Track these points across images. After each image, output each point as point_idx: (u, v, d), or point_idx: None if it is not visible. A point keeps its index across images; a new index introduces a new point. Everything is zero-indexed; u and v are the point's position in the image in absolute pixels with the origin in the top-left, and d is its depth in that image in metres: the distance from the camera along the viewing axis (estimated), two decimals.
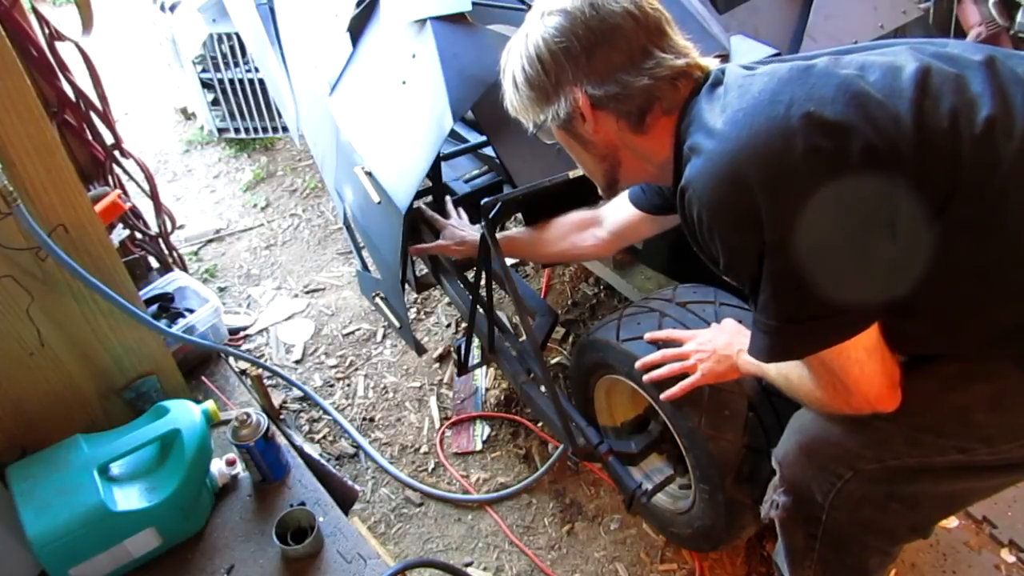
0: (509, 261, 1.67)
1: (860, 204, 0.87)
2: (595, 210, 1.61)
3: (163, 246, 2.32)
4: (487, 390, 2.26)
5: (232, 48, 3.10)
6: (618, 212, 1.52)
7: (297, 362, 2.42)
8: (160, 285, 2.10)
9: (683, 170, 0.97)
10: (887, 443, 1.06)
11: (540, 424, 2.12)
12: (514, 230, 1.75)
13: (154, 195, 2.25)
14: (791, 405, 1.44)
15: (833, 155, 0.86)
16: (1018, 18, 2.14)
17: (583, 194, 1.80)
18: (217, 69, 3.17)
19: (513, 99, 1.12)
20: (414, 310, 2.58)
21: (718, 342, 1.36)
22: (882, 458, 1.07)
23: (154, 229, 2.29)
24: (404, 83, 1.73)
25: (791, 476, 1.21)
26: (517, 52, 1.08)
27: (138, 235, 2.21)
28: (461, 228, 1.79)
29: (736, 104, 0.92)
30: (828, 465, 1.14)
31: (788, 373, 1.12)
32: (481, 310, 1.77)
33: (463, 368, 1.96)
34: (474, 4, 1.64)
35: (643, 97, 1.02)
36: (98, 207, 1.75)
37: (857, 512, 1.15)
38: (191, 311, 2.03)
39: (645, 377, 1.46)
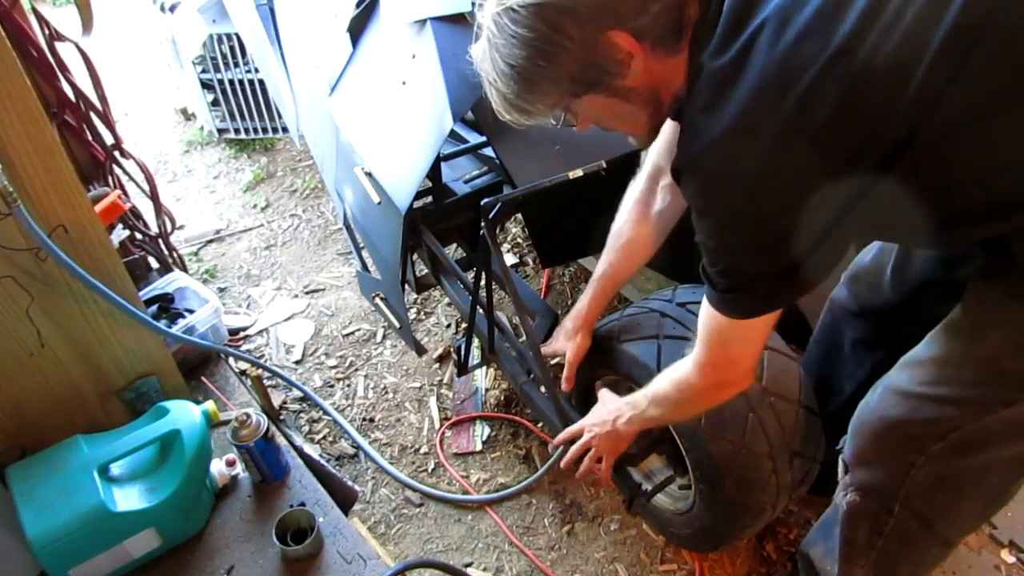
0: (509, 261, 1.67)
1: (833, 200, 0.89)
2: (639, 179, 1.49)
3: (163, 246, 2.32)
4: (487, 390, 2.26)
5: (232, 48, 3.11)
6: (664, 145, 1.39)
7: (297, 362, 2.42)
8: (160, 285, 2.10)
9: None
10: (942, 415, 1.08)
11: (540, 425, 2.12)
12: (601, 267, 1.60)
13: (154, 195, 2.25)
14: (790, 407, 1.45)
15: (819, 172, 0.87)
16: None
17: (583, 194, 1.80)
18: (217, 70, 3.17)
19: (521, 97, 1.01)
20: (414, 310, 2.58)
21: (598, 418, 1.50)
22: (944, 432, 1.09)
23: (154, 229, 2.29)
24: (404, 83, 1.73)
25: (863, 474, 1.23)
26: (512, 40, 0.95)
27: (138, 235, 2.21)
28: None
29: (728, 101, 0.88)
30: (898, 454, 1.16)
31: (665, 395, 1.26)
32: (481, 311, 1.77)
33: (463, 368, 1.97)
34: (474, 4, 1.64)
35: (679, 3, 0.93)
36: (98, 207, 1.74)
37: (932, 498, 1.17)
38: (191, 311, 2.03)
39: (563, 464, 1.58)
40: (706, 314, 1.09)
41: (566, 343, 1.66)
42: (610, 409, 1.48)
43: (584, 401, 1.84)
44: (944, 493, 1.17)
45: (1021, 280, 0.94)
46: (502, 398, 2.22)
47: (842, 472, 1.28)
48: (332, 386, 2.34)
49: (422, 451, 2.13)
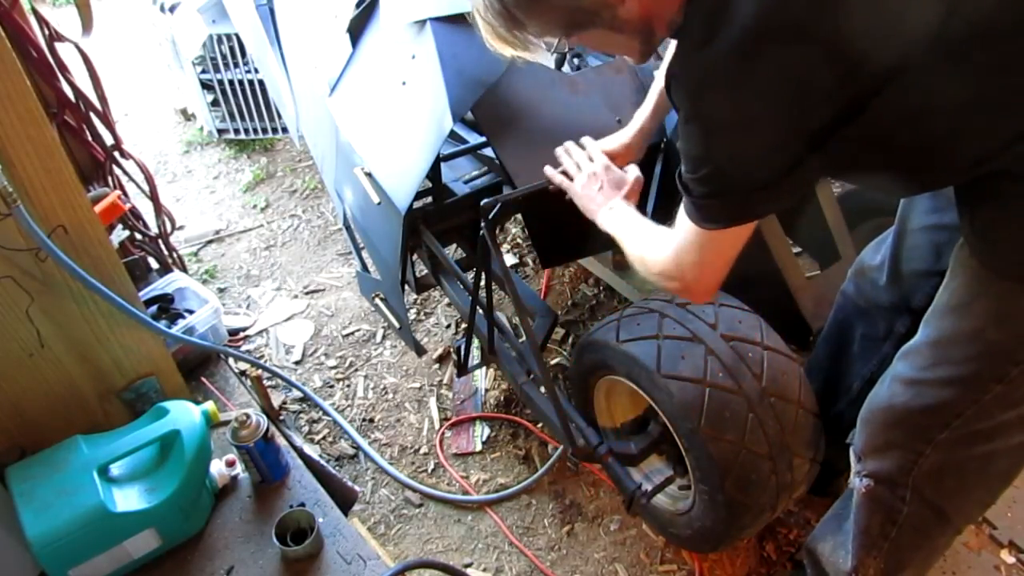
0: (509, 261, 1.67)
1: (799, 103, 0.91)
2: None
3: (163, 247, 2.32)
4: (487, 391, 2.26)
5: (232, 49, 3.10)
6: None
7: (297, 363, 2.42)
8: (160, 286, 2.10)
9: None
10: (942, 398, 1.11)
11: (540, 425, 2.12)
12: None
13: (154, 196, 2.25)
14: (790, 407, 1.45)
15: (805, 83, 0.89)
16: None
17: None
18: (217, 70, 3.17)
19: (511, 32, 1.02)
20: (414, 311, 2.58)
21: (597, 184, 1.44)
22: (947, 420, 1.12)
23: (154, 230, 2.29)
24: (404, 84, 1.73)
25: (874, 464, 1.26)
26: None
27: (138, 236, 2.21)
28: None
29: (727, 15, 0.89)
30: (906, 444, 1.19)
31: (640, 255, 1.24)
32: (481, 311, 1.77)
33: (463, 369, 1.96)
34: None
35: None
36: (98, 208, 1.75)
37: (940, 485, 1.20)
38: (191, 312, 2.03)
39: (547, 172, 1.52)
40: (682, 223, 1.11)
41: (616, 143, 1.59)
42: (609, 195, 1.42)
43: (584, 402, 1.84)
44: (951, 480, 1.20)
45: (996, 254, 0.99)
46: (502, 398, 2.22)
47: (854, 462, 1.31)
48: (332, 386, 2.34)
49: (422, 451, 2.13)
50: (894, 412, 1.19)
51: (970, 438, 1.12)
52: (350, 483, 1.84)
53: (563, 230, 2.02)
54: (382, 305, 2.11)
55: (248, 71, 3.16)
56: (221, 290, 2.74)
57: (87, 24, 1.95)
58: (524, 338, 1.81)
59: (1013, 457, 1.17)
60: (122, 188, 2.23)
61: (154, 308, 2.01)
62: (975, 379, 1.07)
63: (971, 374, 1.07)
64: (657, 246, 1.22)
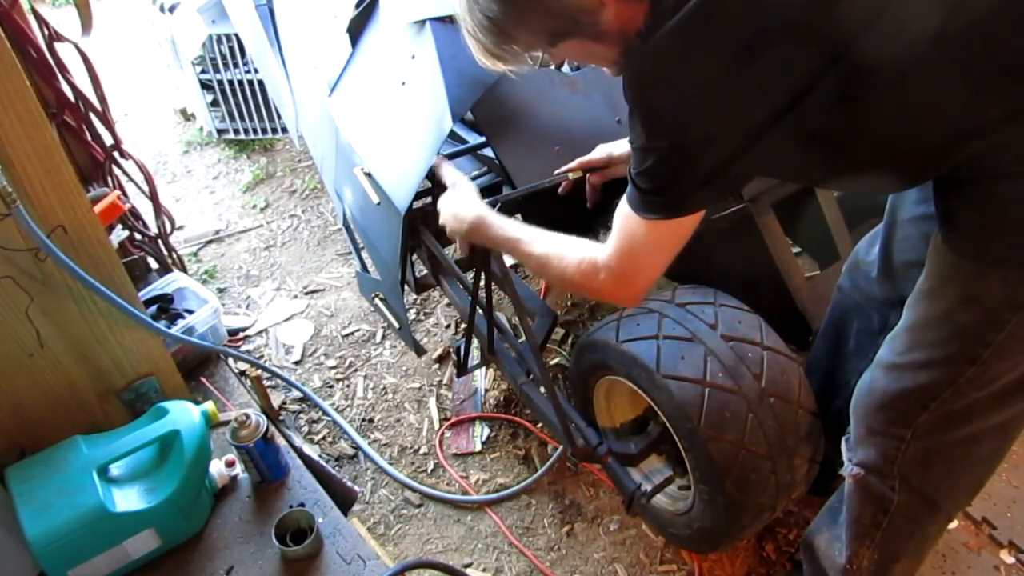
0: (508, 262, 1.67)
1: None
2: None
3: (162, 247, 2.32)
4: (486, 391, 2.26)
5: (231, 49, 3.11)
6: None
7: (296, 363, 2.42)
8: (159, 286, 2.10)
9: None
10: (917, 381, 1.13)
11: (539, 425, 2.12)
12: None
13: (153, 196, 2.25)
14: (790, 407, 1.45)
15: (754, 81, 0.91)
16: None
17: (582, 194, 1.80)
18: (216, 70, 3.17)
19: (500, 47, 1.06)
20: (413, 311, 2.58)
21: (452, 212, 1.50)
22: (924, 403, 1.14)
23: (153, 230, 2.29)
24: (403, 84, 1.73)
25: (863, 453, 1.27)
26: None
27: (137, 236, 2.21)
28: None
29: (676, 14, 0.92)
30: (888, 429, 1.21)
31: (563, 265, 1.25)
32: (480, 311, 1.77)
33: (462, 369, 1.96)
34: None
35: None
36: (97, 208, 1.75)
37: (928, 473, 1.22)
38: (190, 312, 2.03)
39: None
40: (623, 218, 1.14)
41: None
42: (468, 214, 1.45)
43: (583, 402, 1.84)
44: (937, 467, 1.21)
45: (962, 238, 1.01)
46: (501, 398, 2.22)
47: (845, 452, 1.32)
48: (331, 387, 2.34)
49: (421, 451, 2.13)
50: (874, 398, 1.21)
51: (949, 421, 1.13)
52: (350, 483, 1.84)
53: (562, 230, 2.02)
54: (382, 305, 2.11)
55: (248, 71, 3.16)
56: (221, 290, 2.74)
57: (87, 24, 1.95)
58: (524, 338, 1.81)
59: (994, 439, 1.18)
60: (122, 188, 2.23)
61: (154, 308, 2.01)
62: (949, 362, 1.09)
63: (944, 357, 1.09)
64: (575, 245, 1.25)
